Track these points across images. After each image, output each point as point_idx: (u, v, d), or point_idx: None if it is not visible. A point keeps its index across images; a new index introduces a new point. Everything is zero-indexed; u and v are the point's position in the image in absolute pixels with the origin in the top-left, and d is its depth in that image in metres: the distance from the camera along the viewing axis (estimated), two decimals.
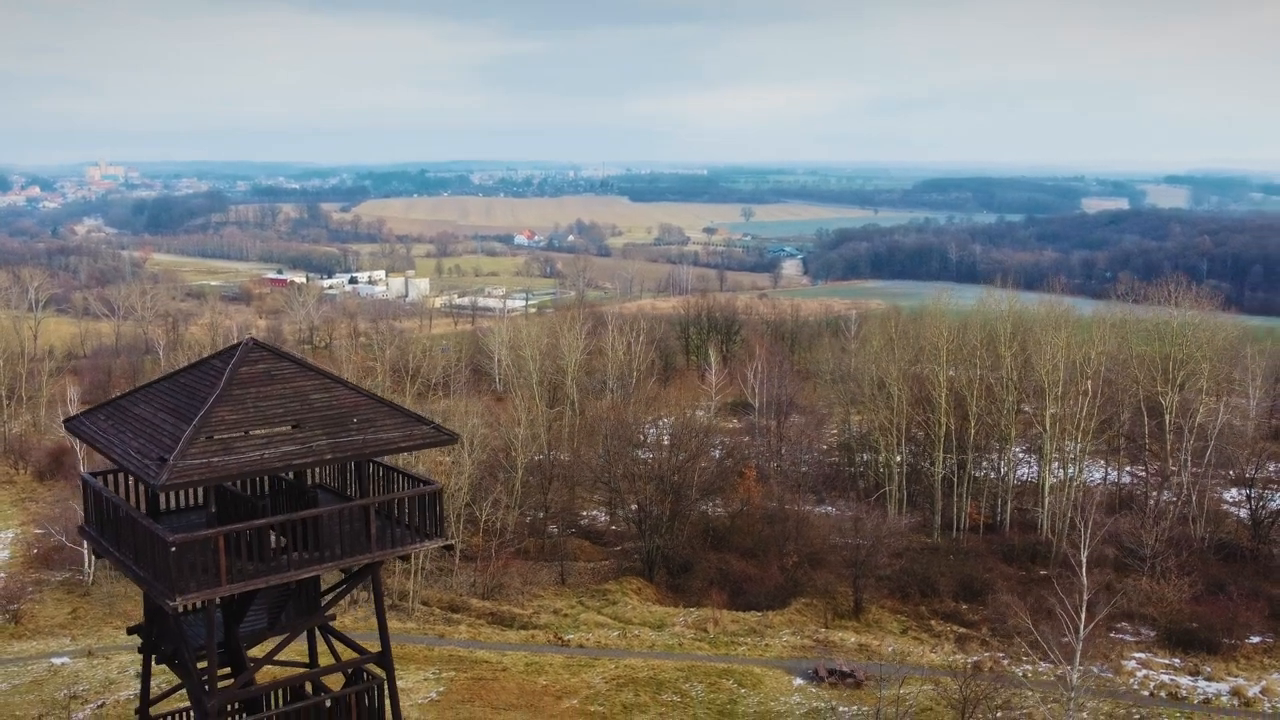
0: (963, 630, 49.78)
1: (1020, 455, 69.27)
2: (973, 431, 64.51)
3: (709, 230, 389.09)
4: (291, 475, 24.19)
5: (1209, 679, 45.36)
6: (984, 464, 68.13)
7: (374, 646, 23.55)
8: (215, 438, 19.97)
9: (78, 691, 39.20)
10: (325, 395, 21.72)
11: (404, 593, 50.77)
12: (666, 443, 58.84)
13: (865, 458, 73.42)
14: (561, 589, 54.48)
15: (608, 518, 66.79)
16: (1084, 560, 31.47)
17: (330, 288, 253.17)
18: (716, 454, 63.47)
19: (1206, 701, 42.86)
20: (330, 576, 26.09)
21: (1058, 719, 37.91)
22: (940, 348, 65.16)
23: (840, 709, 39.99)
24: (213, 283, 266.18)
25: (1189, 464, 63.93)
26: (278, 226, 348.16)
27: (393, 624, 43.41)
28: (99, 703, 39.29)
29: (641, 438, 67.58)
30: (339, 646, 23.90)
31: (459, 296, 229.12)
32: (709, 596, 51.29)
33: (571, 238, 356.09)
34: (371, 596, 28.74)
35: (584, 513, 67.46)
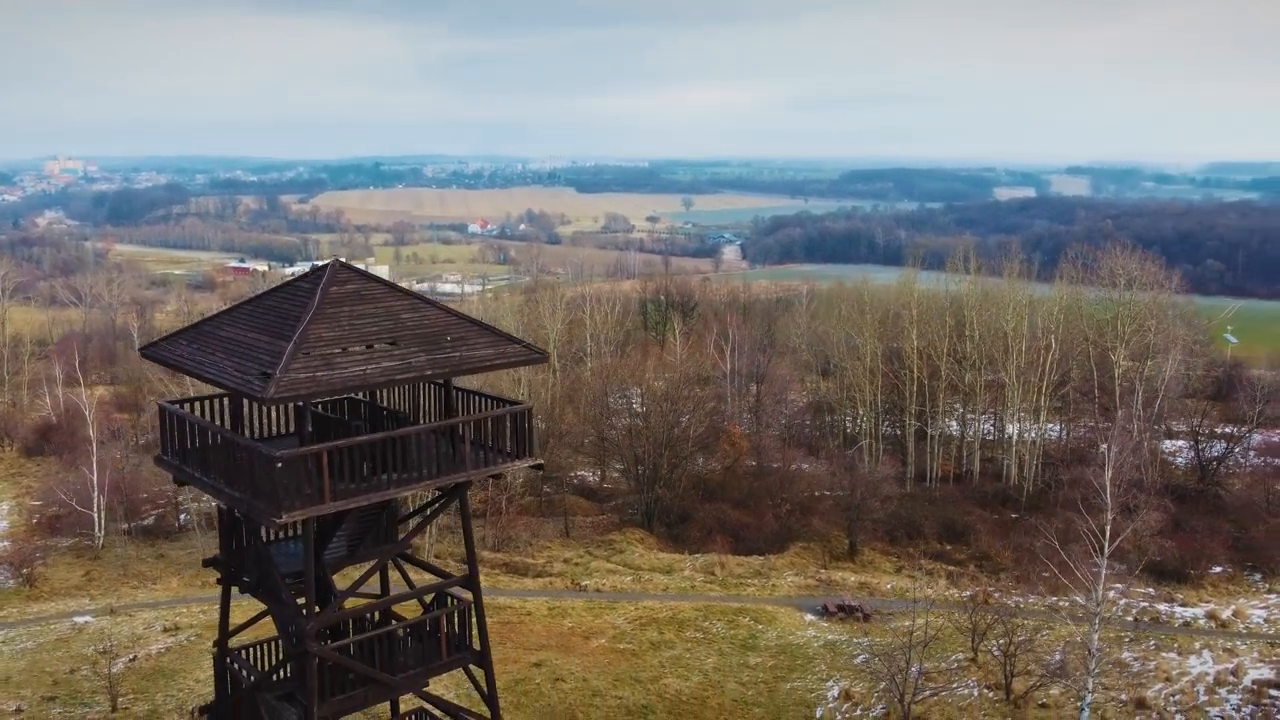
0: (952, 568, 49.74)
1: (984, 413, 69.59)
2: (942, 386, 64.66)
3: (652, 219, 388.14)
4: (366, 398, 22.88)
5: (1184, 605, 45.91)
6: (951, 420, 68.40)
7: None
8: (315, 353, 18.48)
9: (107, 647, 37.03)
10: (416, 315, 20.31)
11: (418, 546, 49.12)
12: (659, 396, 57.67)
13: (833, 419, 73.24)
14: (567, 540, 53.27)
15: (597, 476, 65.65)
16: (1107, 484, 31.18)
17: (292, 274, 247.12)
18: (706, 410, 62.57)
19: (1186, 624, 43.34)
20: (406, 507, 24.68)
21: (1080, 638, 37.91)
22: (911, 309, 65.15)
23: (854, 641, 39.55)
24: (176, 272, 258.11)
25: (1140, 415, 64.76)
26: (238, 218, 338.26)
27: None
28: (130, 656, 37.23)
29: (625, 400, 66.54)
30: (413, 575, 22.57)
31: (418, 282, 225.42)
32: (712, 543, 50.54)
33: (523, 226, 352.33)
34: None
35: (572, 473, 66.20)
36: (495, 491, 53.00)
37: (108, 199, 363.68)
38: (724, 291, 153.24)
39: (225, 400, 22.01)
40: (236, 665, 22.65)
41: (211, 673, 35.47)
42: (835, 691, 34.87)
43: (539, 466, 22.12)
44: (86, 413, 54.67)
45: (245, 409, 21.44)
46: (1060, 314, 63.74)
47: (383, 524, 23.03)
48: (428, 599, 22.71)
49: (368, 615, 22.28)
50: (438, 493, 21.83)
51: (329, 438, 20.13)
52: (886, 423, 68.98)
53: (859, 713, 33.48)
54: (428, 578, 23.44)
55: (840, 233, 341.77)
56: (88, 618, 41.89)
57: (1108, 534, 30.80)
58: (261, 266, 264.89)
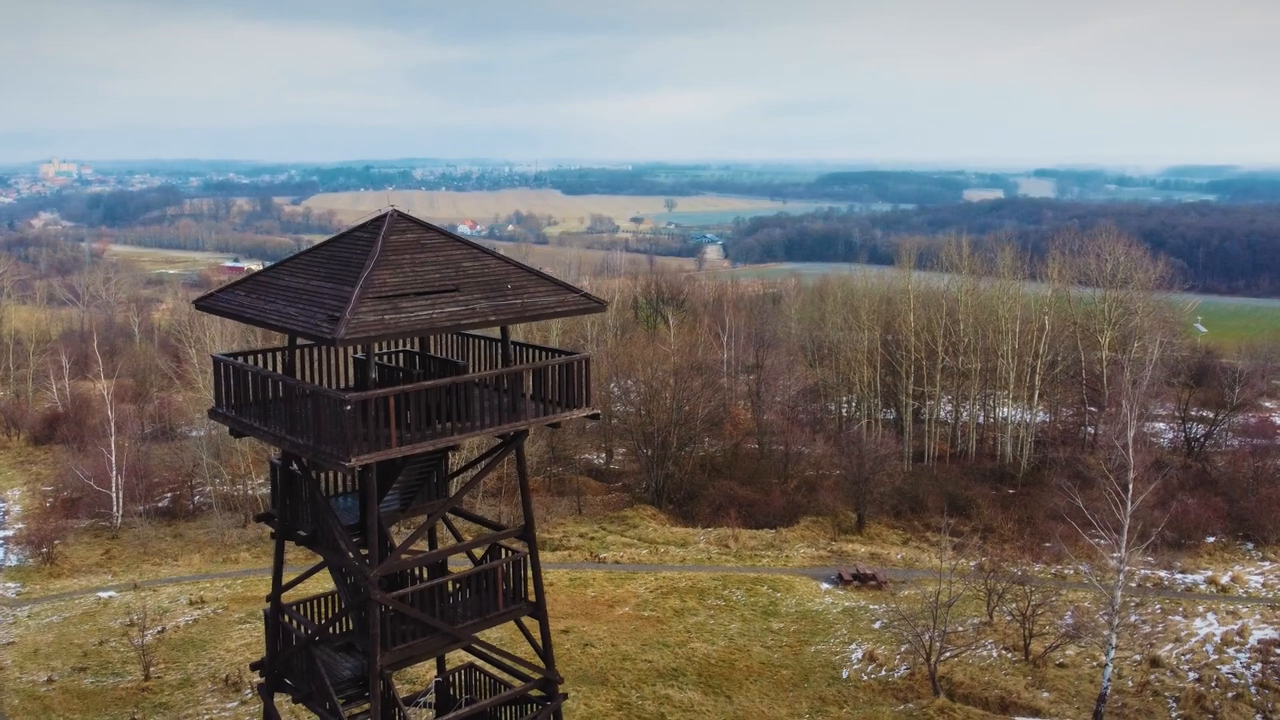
0: (957, 540, 49.44)
1: (979, 395, 69.50)
2: (939, 368, 64.53)
3: (636, 220, 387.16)
4: (417, 348, 22.30)
5: (1183, 572, 45.87)
6: (945, 403, 68.26)
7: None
8: (380, 297, 17.83)
9: (135, 619, 36.17)
10: (476, 264, 19.69)
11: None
12: (669, 372, 57.08)
13: (828, 403, 72.97)
14: (580, 518, 52.65)
15: (603, 458, 65.06)
16: (1130, 439, 30.96)
17: None
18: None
19: (1188, 589, 43.28)
20: (456, 462, 24.09)
21: (1089, 603, 37.74)
22: (908, 291, 65.06)
23: (871, 607, 39.20)
24: (171, 271, 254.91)
25: (1131, 394, 64.81)
26: (231, 218, 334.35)
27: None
28: (158, 628, 36.36)
29: (632, 381, 65.99)
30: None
31: None
32: (722, 518, 50.06)
33: (511, 227, 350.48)
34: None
35: (577, 455, 65.56)
36: (510, 469, 52.26)
37: (102, 201, 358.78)
38: (711, 287, 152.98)
39: (278, 355, 21.34)
40: (291, 619, 21.92)
41: (241, 642, 34.82)
42: (859, 654, 34.51)
43: (595, 416, 21.52)
44: (105, 393, 53.56)
45: (298, 362, 20.76)
46: (1051, 296, 63.77)
47: (435, 480, 22.44)
48: (479, 553, 22.06)
49: (424, 567, 21.63)
50: (497, 441, 21.23)
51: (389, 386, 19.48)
52: (882, 406, 68.80)
53: (883, 673, 33.13)
54: (474, 535, 22.76)
55: (818, 233, 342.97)
56: (111, 593, 40.98)
57: (1130, 490, 30.51)
58: (255, 265, 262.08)
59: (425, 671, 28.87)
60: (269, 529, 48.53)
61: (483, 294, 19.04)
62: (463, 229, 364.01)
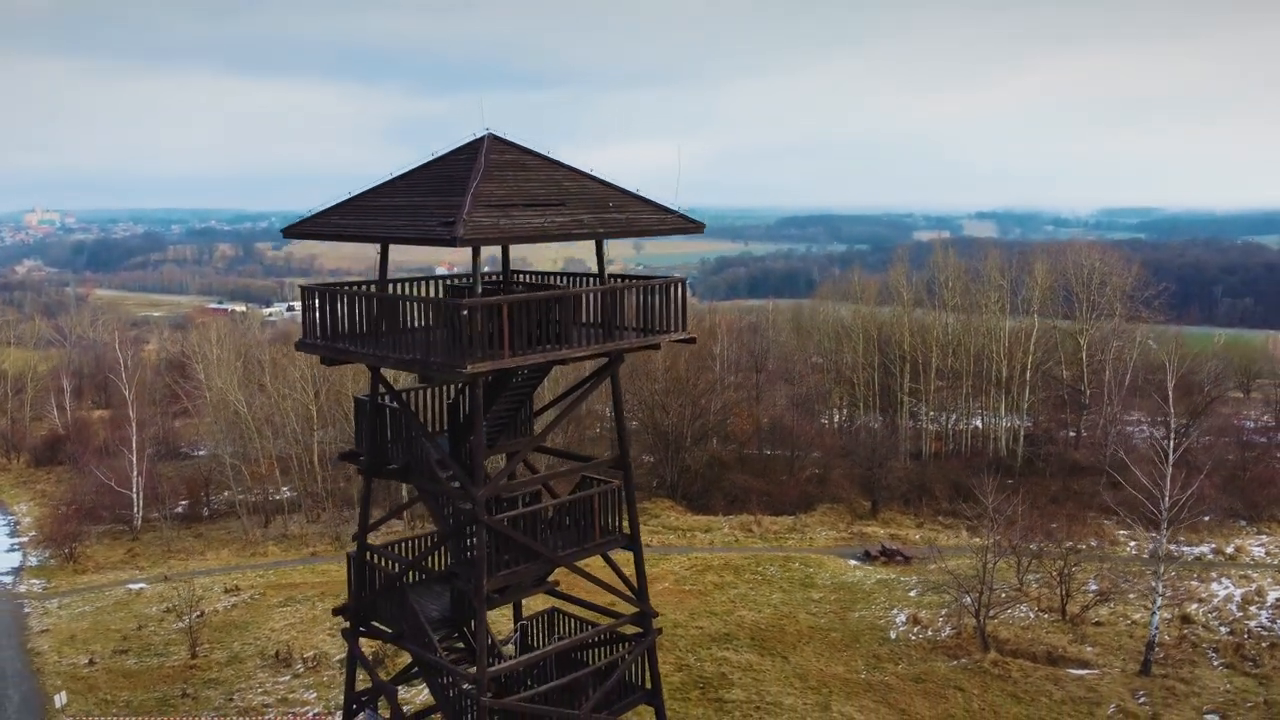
0: (971, 523, 48.83)
1: (971, 393, 69.48)
2: (933, 371, 64.44)
3: (608, 261, 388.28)
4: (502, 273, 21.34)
5: (1188, 544, 45.55)
6: (939, 402, 68.12)
7: None
8: (491, 206, 16.90)
9: (174, 604, 34.26)
10: (576, 183, 18.86)
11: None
12: (684, 368, 56.32)
13: (824, 408, 72.57)
14: None
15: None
16: (1170, 391, 30.73)
17: (271, 315, 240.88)
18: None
19: (1197, 559, 42.93)
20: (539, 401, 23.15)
21: (1108, 570, 37.13)
22: (904, 307, 65.39)
23: (902, 579, 38.31)
24: (156, 313, 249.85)
25: (1116, 392, 65.21)
26: (215, 263, 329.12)
27: None
28: (197, 613, 34.36)
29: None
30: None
31: None
32: (744, 506, 49.04)
33: (487, 268, 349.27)
34: None
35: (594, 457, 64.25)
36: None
37: (86, 248, 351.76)
38: (691, 318, 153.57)
39: (364, 291, 20.23)
40: (379, 558, 20.54)
41: (285, 622, 33.03)
42: (902, 618, 33.53)
43: (691, 340, 20.59)
44: (127, 393, 51.49)
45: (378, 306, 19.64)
46: (1039, 293, 64.25)
47: (521, 417, 21.38)
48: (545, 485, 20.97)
49: (521, 496, 20.49)
50: (595, 365, 20.27)
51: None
52: (879, 408, 68.50)
53: (929, 634, 32.17)
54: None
55: (780, 271, 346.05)
56: (141, 585, 38.89)
57: (1171, 437, 30.20)
58: (240, 307, 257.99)
59: (500, 624, 27.41)
60: (293, 526, 46.60)
61: (586, 210, 18.21)
62: (440, 270, 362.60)
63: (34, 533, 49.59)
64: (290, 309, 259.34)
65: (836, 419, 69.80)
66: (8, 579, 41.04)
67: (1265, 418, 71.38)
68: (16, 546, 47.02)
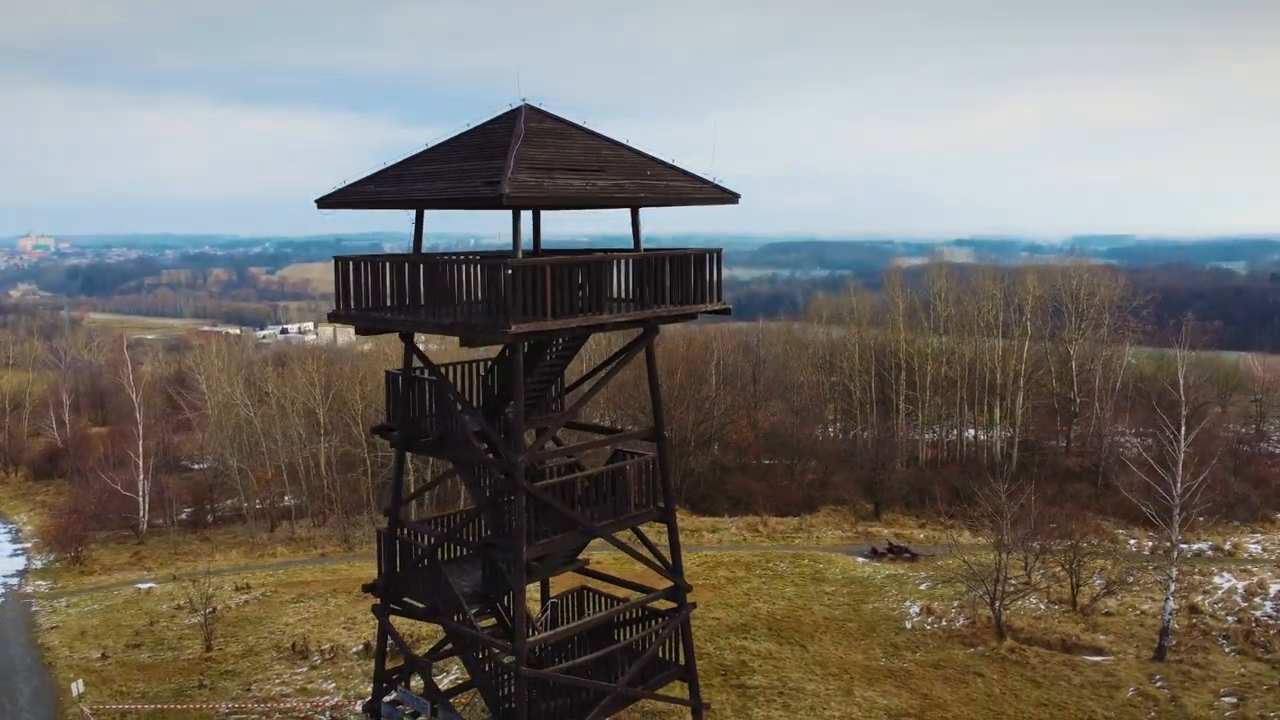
0: (973, 523, 48.55)
1: (965, 402, 69.44)
2: (929, 380, 64.41)
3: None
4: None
5: (1187, 542, 45.35)
6: (934, 411, 68.04)
7: None
8: (534, 168, 16.65)
9: (182, 603, 33.46)
10: (613, 151, 18.65)
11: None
12: (687, 374, 56.04)
13: (821, 414, 72.32)
14: None
15: None
16: (1182, 379, 30.68)
17: (265, 337, 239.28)
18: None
19: (1197, 555, 42.76)
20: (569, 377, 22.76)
21: (1108, 567, 36.84)
22: (898, 301, 65.40)
23: (911, 574, 37.91)
24: (150, 336, 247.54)
25: (1106, 400, 65.35)
26: (209, 287, 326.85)
27: None
28: (210, 609, 33.53)
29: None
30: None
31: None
32: (749, 507, 48.60)
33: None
34: None
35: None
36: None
37: (80, 272, 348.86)
38: (682, 338, 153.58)
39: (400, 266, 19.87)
40: (413, 533, 20.05)
41: (299, 617, 32.28)
42: (916, 609, 33.11)
43: (727, 310, 20.32)
44: (133, 395, 50.66)
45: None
46: (1032, 300, 64.60)
47: (552, 393, 21.05)
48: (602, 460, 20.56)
49: (555, 468, 20.09)
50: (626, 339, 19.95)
51: None
52: (875, 415, 68.33)
53: (944, 624, 31.76)
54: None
55: (766, 295, 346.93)
56: (150, 584, 37.98)
57: (1183, 424, 30.13)
58: (234, 330, 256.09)
59: (530, 605, 26.83)
60: (300, 529, 45.81)
61: (626, 177, 17.99)
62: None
63: (36, 539, 48.51)
64: (284, 331, 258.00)
65: (832, 431, 69.65)
66: (13, 581, 40.03)
67: (1244, 430, 72.04)
68: (20, 551, 45.95)
